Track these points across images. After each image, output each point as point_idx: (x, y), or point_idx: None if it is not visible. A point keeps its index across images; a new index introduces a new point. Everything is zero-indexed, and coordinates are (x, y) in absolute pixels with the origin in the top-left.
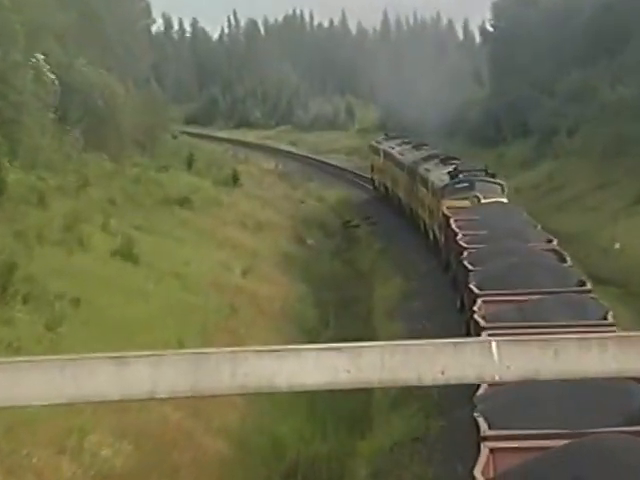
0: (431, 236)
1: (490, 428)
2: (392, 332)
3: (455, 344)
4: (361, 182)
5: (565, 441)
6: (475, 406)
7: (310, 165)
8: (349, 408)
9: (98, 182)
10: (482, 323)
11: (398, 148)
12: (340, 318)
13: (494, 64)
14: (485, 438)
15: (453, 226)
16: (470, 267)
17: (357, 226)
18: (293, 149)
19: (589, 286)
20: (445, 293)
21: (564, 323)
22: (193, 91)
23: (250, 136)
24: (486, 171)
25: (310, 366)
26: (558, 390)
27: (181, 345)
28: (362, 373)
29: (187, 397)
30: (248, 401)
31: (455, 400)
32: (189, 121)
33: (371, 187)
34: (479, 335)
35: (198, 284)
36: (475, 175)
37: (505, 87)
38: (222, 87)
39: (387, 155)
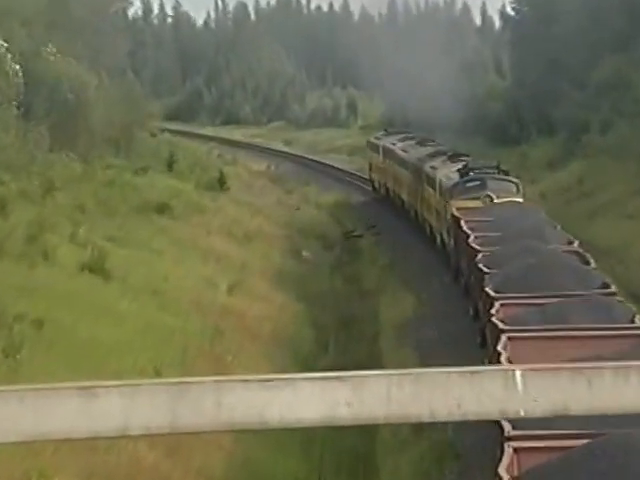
0: (438, 240)
1: (514, 429)
2: (401, 359)
3: (473, 373)
4: (364, 186)
5: (587, 440)
6: None
7: (307, 167)
8: (351, 446)
9: (66, 186)
10: (501, 326)
11: (400, 144)
12: (341, 342)
13: (516, 52)
14: (509, 438)
15: (464, 228)
16: (485, 270)
17: (360, 236)
18: (287, 149)
19: (614, 288)
20: (462, 313)
21: (589, 326)
22: (175, 83)
23: (239, 134)
24: (499, 168)
25: (306, 398)
26: None
27: (158, 374)
28: (366, 407)
29: (164, 434)
30: (235, 438)
31: (473, 438)
32: (170, 117)
33: (371, 189)
34: (497, 339)
35: (178, 303)
36: (487, 173)
37: (529, 78)
38: (208, 79)
39: (388, 152)
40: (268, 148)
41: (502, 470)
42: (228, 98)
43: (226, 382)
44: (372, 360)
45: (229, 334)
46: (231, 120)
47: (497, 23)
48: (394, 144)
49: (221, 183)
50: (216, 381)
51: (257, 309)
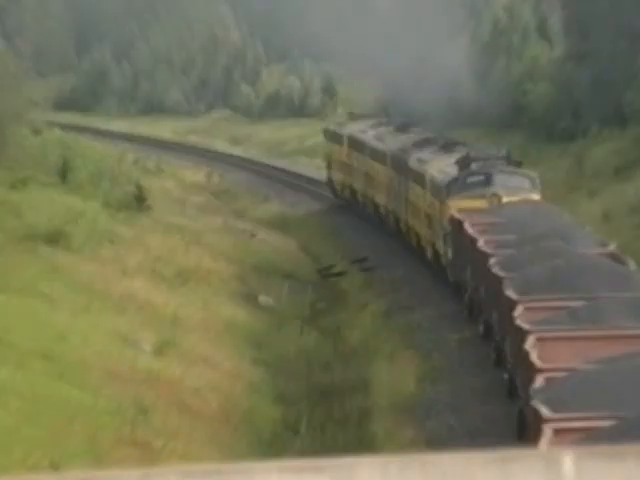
0: (429, 252)
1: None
2: (400, 443)
3: (504, 460)
4: (347, 204)
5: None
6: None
7: (266, 176)
8: None
9: None
10: (526, 327)
11: (373, 132)
12: (317, 421)
13: (571, 8)
14: (547, 420)
15: (470, 231)
16: (502, 274)
17: (341, 274)
18: (236, 150)
19: None
20: (493, 381)
21: (630, 325)
22: (68, 57)
23: (165, 128)
24: (509, 158)
25: None
26: (612, 380)
27: (56, 468)
28: None
29: None
30: None
31: None
32: (62, 105)
33: (332, 194)
34: (522, 342)
35: (83, 370)
36: (494, 165)
37: (590, 46)
38: (116, 50)
39: (355, 143)
40: (208, 150)
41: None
42: (147, 78)
43: (157, 475)
44: (360, 449)
45: (159, 412)
46: (153, 109)
47: None
48: (364, 132)
49: (140, 201)
50: (144, 475)
51: (197, 377)
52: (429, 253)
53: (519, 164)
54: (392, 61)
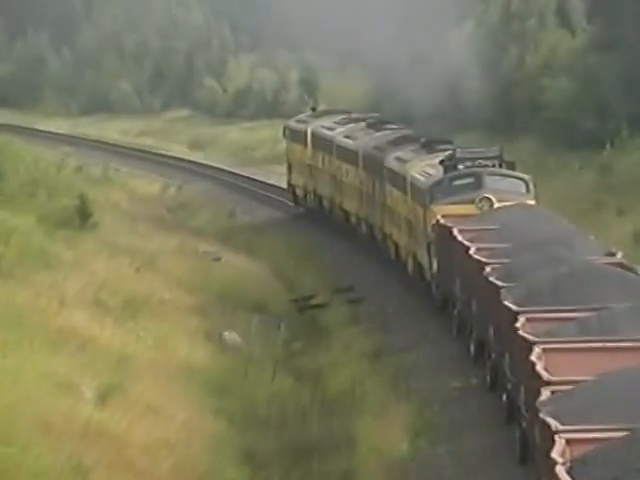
0: (410, 265)
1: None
2: None
3: None
4: (334, 221)
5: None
6: (540, 410)
7: (232, 188)
8: None
9: None
10: (531, 338)
11: (342, 129)
12: None
13: None
14: (557, 431)
15: (459, 238)
16: (500, 283)
17: (322, 306)
18: (198, 156)
19: None
20: (508, 442)
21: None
22: None
23: (113, 129)
24: (501, 159)
25: None
26: (620, 392)
27: None
28: None
29: None
30: None
31: None
32: None
33: (293, 201)
34: (528, 355)
35: (9, 420)
36: (484, 166)
37: (616, 34)
38: (55, 35)
39: (321, 142)
40: (164, 155)
41: (555, 455)
42: (92, 68)
43: None
44: None
45: (99, 473)
46: (99, 106)
47: None
48: (331, 129)
49: (84, 216)
50: None
51: (147, 431)
52: (410, 265)
53: (512, 165)
54: (384, 50)
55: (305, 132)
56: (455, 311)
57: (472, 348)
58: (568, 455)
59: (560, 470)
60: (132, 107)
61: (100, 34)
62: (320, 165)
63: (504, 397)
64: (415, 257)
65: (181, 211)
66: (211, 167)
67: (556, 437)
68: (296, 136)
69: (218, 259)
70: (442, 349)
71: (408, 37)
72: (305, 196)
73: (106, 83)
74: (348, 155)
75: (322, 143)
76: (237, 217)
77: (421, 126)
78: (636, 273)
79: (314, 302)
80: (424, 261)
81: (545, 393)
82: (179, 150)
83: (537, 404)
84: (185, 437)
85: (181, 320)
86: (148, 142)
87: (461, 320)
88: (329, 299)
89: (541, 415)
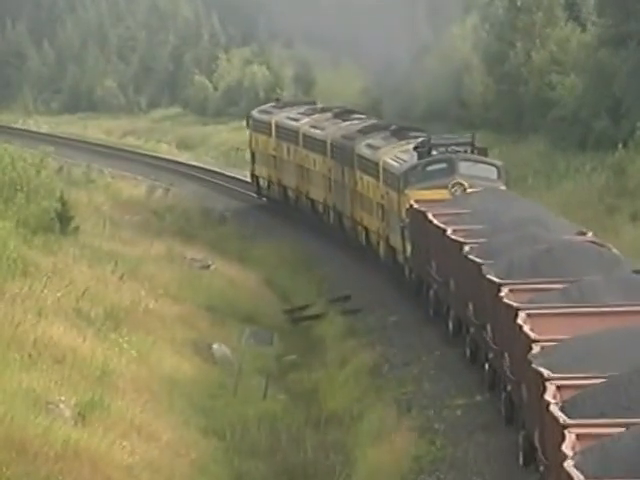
0: (382, 249)
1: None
2: None
3: None
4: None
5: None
6: (531, 362)
7: (222, 190)
8: None
9: None
10: (517, 305)
11: (307, 119)
12: None
13: None
14: (549, 379)
15: (435, 222)
16: (480, 260)
17: (316, 317)
18: (187, 157)
19: None
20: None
21: (620, 302)
22: None
23: (97, 128)
24: (473, 145)
25: None
26: (600, 347)
27: None
28: None
29: None
30: None
31: None
32: None
33: (256, 193)
34: (513, 321)
35: None
36: (457, 152)
37: (629, 28)
38: (34, 28)
39: (286, 132)
40: (151, 156)
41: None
42: (75, 64)
43: None
44: None
45: None
46: (81, 104)
47: None
48: (296, 119)
49: (64, 220)
50: None
51: (129, 452)
52: (382, 249)
53: (484, 152)
54: (385, 45)
55: (269, 123)
56: (431, 292)
57: (450, 325)
58: (559, 398)
59: (554, 408)
60: (117, 105)
61: (83, 28)
62: (285, 155)
63: (486, 366)
64: (387, 241)
65: (168, 215)
66: (200, 168)
67: (547, 384)
68: (260, 127)
69: (207, 266)
70: (444, 363)
71: (410, 31)
72: (269, 186)
73: (89, 80)
74: (315, 145)
75: (287, 133)
76: (227, 222)
77: (422, 125)
78: (609, 249)
79: (308, 313)
80: (397, 245)
81: (535, 348)
82: (166, 150)
83: (528, 357)
84: (170, 458)
85: (167, 332)
86: (133, 142)
87: (437, 300)
88: (324, 309)
89: (533, 366)
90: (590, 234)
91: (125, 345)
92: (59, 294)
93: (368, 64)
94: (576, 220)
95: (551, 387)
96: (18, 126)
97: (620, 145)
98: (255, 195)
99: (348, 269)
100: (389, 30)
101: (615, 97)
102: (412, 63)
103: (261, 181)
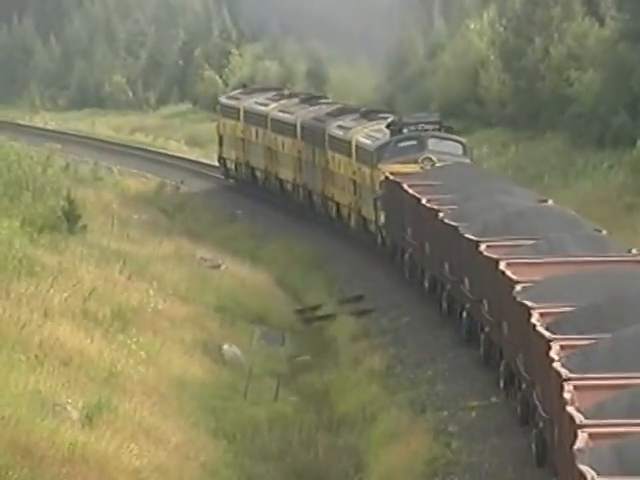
0: (354, 220)
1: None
2: None
3: None
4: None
5: None
6: (515, 297)
7: (233, 188)
8: None
9: None
10: (497, 257)
11: (275, 104)
12: None
13: None
14: (534, 308)
15: (411, 192)
16: (455, 223)
17: (328, 317)
18: (197, 155)
19: (605, 232)
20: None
21: (588, 254)
22: None
23: (104, 125)
24: (441, 124)
25: None
26: (571, 284)
27: None
28: None
29: None
30: None
31: None
32: None
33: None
34: (494, 270)
35: None
36: (426, 130)
37: None
38: (41, 21)
39: (254, 117)
40: (160, 153)
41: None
42: (82, 59)
43: None
44: None
45: None
46: (89, 100)
47: None
48: (265, 105)
49: (72, 219)
50: None
51: (137, 454)
52: (353, 220)
53: (451, 130)
54: (399, 40)
55: (238, 108)
56: (406, 256)
57: (426, 284)
58: (542, 322)
59: (540, 327)
60: (125, 101)
61: (90, 22)
62: (254, 139)
63: (464, 315)
64: (360, 213)
65: (178, 214)
66: (211, 166)
67: (533, 312)
68: (228, 112)
69: (217, 266)
70: (458, 365)
71: (425, 27)
72: (237, 168)
73: (97, 75)
74: (284, 128)
75: (256, 118)
76: (238, 220)
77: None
78: (570, 213)
79: (320, 313)
80: (370, 215)
81: (518, 287)
82: (176, 147)
83: (513, 294)
84: (179, 461)
85: (176, 332)
86: (142, 139)
87: (412, 263)
88: (337, 310)
89: (518, 299)
90: (550, 201)
91: (133, 346)
92: (66, 294)
93: (380, 62)
94: (594, 218)
95: (535, 314)
96: (25, 123)
97: (638, 142)
98: (222, 177)
99: (360, 268)
100: (402, 26)
101: (633, 93)
102: (427, 59)
103: (228, 163)
